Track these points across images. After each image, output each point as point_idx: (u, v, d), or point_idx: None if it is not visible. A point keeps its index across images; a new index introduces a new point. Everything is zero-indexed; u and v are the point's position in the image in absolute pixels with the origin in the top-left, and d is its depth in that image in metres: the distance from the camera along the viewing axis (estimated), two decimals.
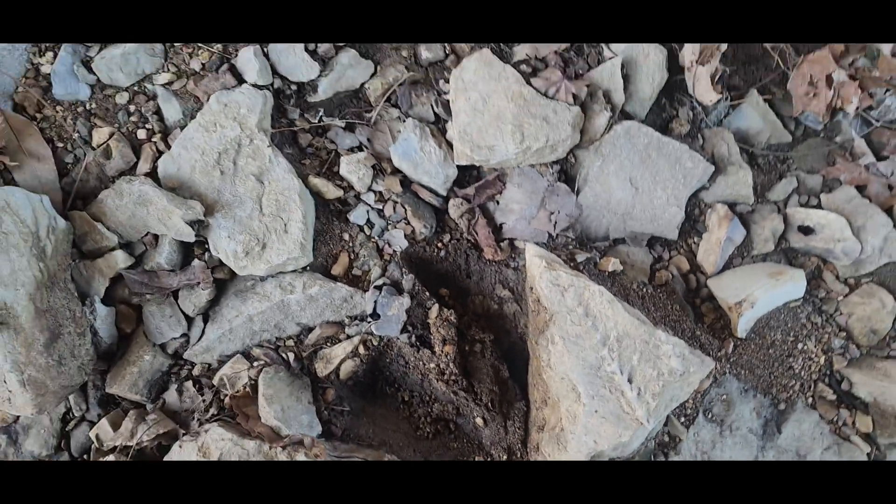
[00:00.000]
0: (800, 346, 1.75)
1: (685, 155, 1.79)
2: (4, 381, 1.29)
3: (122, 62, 1.59)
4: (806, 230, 1.88)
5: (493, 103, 1.70)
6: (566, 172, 1.80)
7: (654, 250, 1.81)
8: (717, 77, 1.94)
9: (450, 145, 1.75)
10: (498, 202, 1.76)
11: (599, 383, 1.33)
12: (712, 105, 1.97)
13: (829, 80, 2.00)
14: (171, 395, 1.48)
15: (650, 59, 1.85)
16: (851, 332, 1.80)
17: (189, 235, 1.47)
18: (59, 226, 1.43)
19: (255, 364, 1.49)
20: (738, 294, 1.66)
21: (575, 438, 1.32)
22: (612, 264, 1.70)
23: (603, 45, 1.88)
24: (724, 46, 1.91)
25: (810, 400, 1.73)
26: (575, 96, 1.72)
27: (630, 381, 1.32)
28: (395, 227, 1.66)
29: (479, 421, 1.47)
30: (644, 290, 1.65)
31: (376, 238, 1.65)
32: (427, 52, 1.80)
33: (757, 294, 1.65)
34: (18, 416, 1.45)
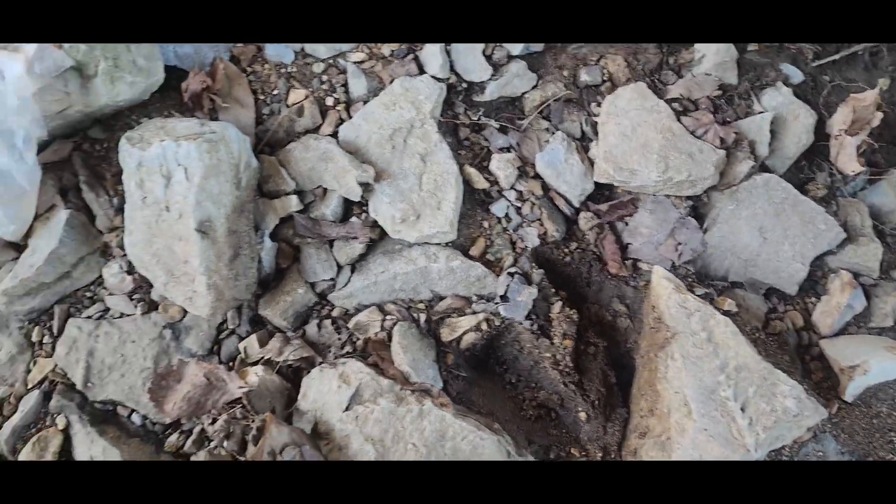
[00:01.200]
0: None
1: (819, 217, 1.83)
2: (192, 282, 1.51)
3: None
4: None
5: (641, 132, 1.82)
6: (696, 209, 1.89)
7: (770, 300, 1.86)
8: (862, 150, 1.98)
9: (591, 162, 1.88)
10: (627, 223, 1.87)
11: (712, 405, 1.40)
12: (852, 176, 2.01)
13: None
14: (311, 329, 1.66)
15: (799, 120, 1.92)
16: None
17: (356, 195, 1.66)
18: (253, 164, 1.65)
19: (388, 318, 1.65)
20: (852, 358, 1.68)
21: (681, 449, 1.39)
22: (727, 304, 1.76)
23: (754, 99, 1.97)
24: (876, 121, 1.96)
25: None
26: (722, 140, 1.81)
27: (743, 409, 1.38)
28: (530, 226, 1.79)
29: (581, 415, 1.56)
30: (757, 334, 1.70)
31: (511, 231, 1.79)
32: (586, 75, 1.95)
33: (871, 363, 1.67)
34: (184, 317, 1.67)
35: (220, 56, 1.81)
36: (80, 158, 1.67)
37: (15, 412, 1.61)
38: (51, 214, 1.65)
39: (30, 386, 1.65)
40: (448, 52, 1.85)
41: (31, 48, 1.46)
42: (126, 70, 1.58)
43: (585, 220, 1.85)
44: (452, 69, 1.86)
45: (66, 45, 1.49)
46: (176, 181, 1.50)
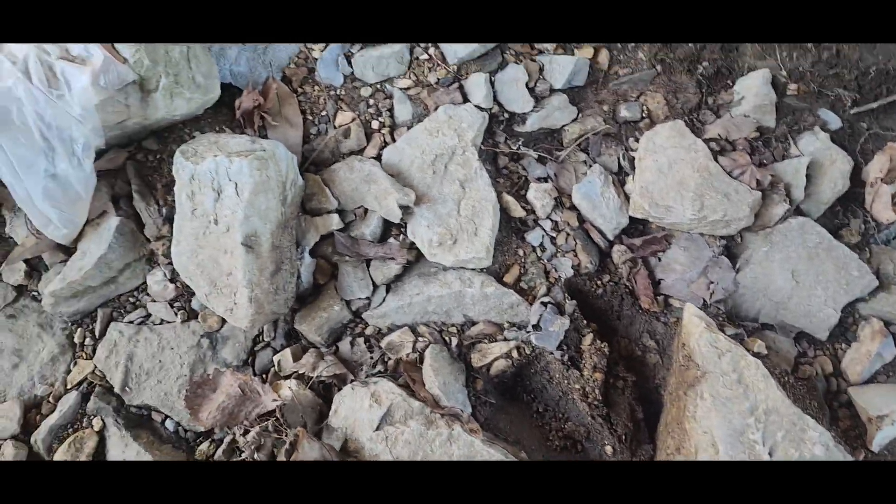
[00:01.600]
0: None
1: (853, 263, 1.84)
2: (234, 294, 1.55)
3: (375, 62, 1.88)
4: None
5: (678, 170, 1.84)
6: (729, 249, 1.90)
7: (800, 344, 1.86)
8: None
9: (626, 197, 1.91)
10: (660, 259, 1.88)
11: (740, 448, 1.41)
12: (886, 224, 2.01)
13: None
14: (344, 346, 1.69)
15: (836, 165, 1.93)
16: None
17: (396, 217, 1.70)
18: (298, 182, 1.70)
19: (420, 339, 1.68)
20: (881, 408, 1.68)
21: None
22: (757, 345, 1.76)
23: (791, 142, 1.99)
24: None
25: None
26: (758, 182, 1.83)
27: (770, 454, 1.39)
28: (564, 256, 1.82)
29: (608, 449, 1.57)
30: (786, 378, 1.70)
31: (545, 261, 1.81)
32: (626, 111, 1.98)
33: None
34: (222, 327, 1.71)
35: (272, 76, 1.87)
36: (134, 168, 1.74)
37: (53, 411, 1.66)
38: (101, 220, 1.71)
39: (69, 386, 1.70)
40: (492, 83, 1.90)
41: (97, 62, 1.53)
42: (185, 86, 1.65)
43: (619, 254, 1.87)
44: (496, 99, 1.91)
45: (130, 61, 1.55)
46: (226, 196, 1.55)
